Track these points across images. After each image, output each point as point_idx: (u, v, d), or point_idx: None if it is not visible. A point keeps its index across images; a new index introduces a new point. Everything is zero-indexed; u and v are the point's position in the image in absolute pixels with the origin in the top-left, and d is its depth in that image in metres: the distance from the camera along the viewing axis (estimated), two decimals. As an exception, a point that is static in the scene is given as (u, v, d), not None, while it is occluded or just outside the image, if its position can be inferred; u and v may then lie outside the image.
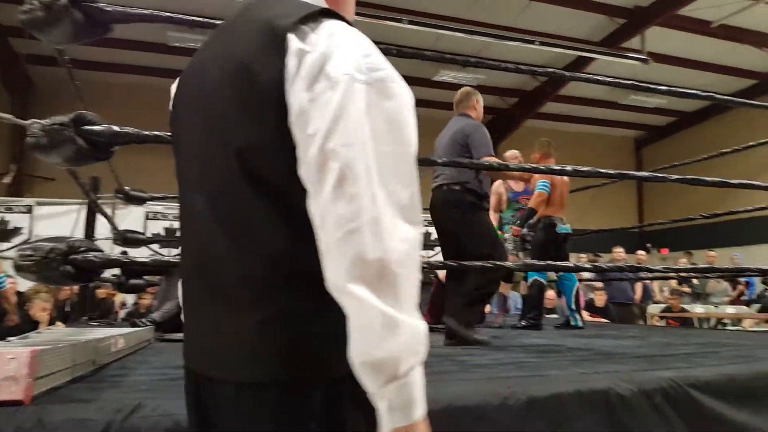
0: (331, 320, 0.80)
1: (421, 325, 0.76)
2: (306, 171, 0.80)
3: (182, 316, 1.00)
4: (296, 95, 0.80)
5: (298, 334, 0.83)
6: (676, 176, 2.98)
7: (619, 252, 8.77)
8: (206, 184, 0.91)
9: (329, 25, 0.85)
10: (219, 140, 0.88)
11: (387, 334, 0.73)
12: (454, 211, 3.54)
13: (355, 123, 0.78)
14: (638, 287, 8.84)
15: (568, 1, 9.86)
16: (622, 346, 3.12)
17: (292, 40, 0.82)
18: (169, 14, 2.31)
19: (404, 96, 0.85)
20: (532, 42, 9.99)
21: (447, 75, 11.86)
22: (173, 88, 1.06)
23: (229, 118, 0.87)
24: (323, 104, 0.78)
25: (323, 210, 0.77)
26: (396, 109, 0.82)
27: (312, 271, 0.80)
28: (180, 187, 1.01)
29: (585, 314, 7.87)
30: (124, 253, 5.56)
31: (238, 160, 0.85)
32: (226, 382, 0.85)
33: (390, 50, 2.47)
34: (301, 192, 0.80)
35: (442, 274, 4.23)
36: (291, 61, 0.81)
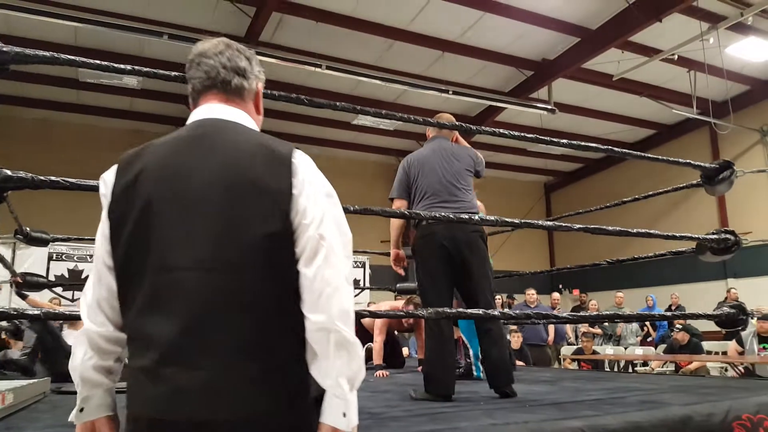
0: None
1: None
2: (304, 245, 1.21)
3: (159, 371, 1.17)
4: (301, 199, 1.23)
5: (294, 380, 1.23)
6: (578, 225, 3.11)
7: (531, 294, 9.02)
8: (211, 263, 1.18)
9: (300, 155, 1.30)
10: (235, 233, 1.19)
11: (358, 357, 1.20)
12: (482, 245, 3.25)
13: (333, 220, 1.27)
14: (551, 329, 9.10)
15: (478, 53, 10.30)
16: (534, 393, 3.16)
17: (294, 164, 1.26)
18: (70, 57, 2.22)
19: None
20: (446, 91, 10.32)
21: (365, 120, 12.05)
22: (108, 178, 1.29)
23: (244, 217, 1.20)
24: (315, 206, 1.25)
25: (315, 272, 1.20)
26: (341, 213, 1.32)
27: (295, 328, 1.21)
28: (154, 264, 1.20)
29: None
30: (22, 296, 5.39)
31: (255, 244, 1.19)
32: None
33: (302, 100, 2.46)
34: (290, 268, 1.22)
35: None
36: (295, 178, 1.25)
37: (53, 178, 2.13)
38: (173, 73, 2.52)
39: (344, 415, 1.19)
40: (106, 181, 1.29)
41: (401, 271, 3.58)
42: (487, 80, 11.30)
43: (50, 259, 8.48)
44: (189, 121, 1.36)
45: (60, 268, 8.58)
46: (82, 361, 1.27)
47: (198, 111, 1.37)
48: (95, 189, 2.16)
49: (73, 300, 8.38)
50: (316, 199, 1.24)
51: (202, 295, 1.17)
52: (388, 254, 6.36)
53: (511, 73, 11.10)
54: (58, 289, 8.31)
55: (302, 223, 1.21)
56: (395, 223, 3.46)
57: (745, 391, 2.89)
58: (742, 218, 12.34)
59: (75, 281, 8.38)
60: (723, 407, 2.38)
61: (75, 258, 8.64)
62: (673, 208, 13.75)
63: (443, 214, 2.98)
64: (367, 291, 11.22)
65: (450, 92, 10.37)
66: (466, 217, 2.97)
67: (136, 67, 2.48)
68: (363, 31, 9.40)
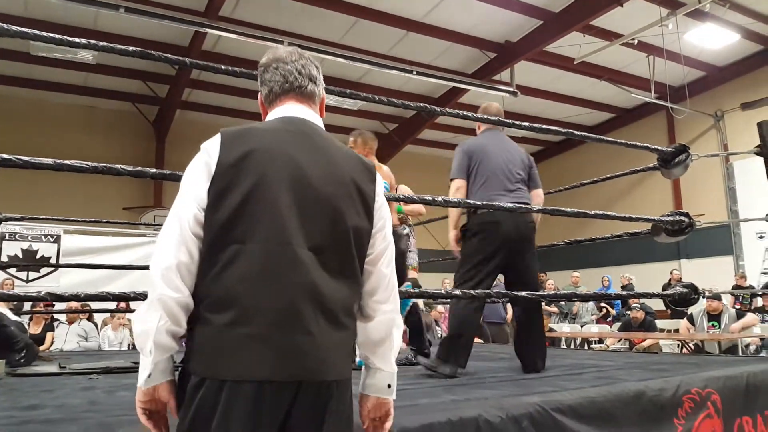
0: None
1: None
2: (383, 247, 1.48)
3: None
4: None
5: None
6: (537, 207, 3.16)
7: (455, 250, 9.12)
8: (321, 243, 1.35)
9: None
10: (339, 222, 1.37)
11: (401, 339, 1.53)
12: (534, 236, 3.42)
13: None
14: (509, 307, 9.24)
15: (442, 33, 10.29)
16: (493, 369, 3.23)
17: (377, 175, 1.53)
18: (22, 29, 2.13)
19: None
20: (410, 71, 10.29)
21: (329, 99, 11.91)
22: (213, 149, 1.36)
23: (347, 211, 1.39)
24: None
25: (390, 271, 1.50)
26: None
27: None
28: (268, 237, 1.30)
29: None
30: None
31: (351, 234, 1.39)
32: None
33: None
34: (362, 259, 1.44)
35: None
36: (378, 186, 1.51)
37: (5, 155, 2.05)
38: (131, 48, 2.44)
39: (389, 386, 1.46)
40: (210, 152, 1.36)
41: (458, 252, 3.53)
42: (451, 61, 11.31)
43: (2, 238, 8.22)
44: (277, 116, 1.50)
45: (13, 248, 8.33)
46: (157, 327, 1.27)
47: (283, 108, 1.52)
48: (51, 167, 2.10)
49: (27, 281, 8.15)
50: (386, 207, 1.53)
51: (313, 271, 1.31)
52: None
53: (474, 54, 11.13)
54: (12, 270, 8.09)
55: (379, 226, 1.47)
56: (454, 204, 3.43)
57: (695, 366, 3.01)
58: (696, 201, 12.72)
59: (29, 261, 8.14)
60: (674, 382, 2.48)
61: (29, 238, 8.39)
62: (629, 191, 14.08)
63: (507, 204, 3.15)
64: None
65: (414, 72, 10.34)
66: (525, 207, 3.18)
67: (93, 41, 2.40)
68: (326, 8, 9.28)
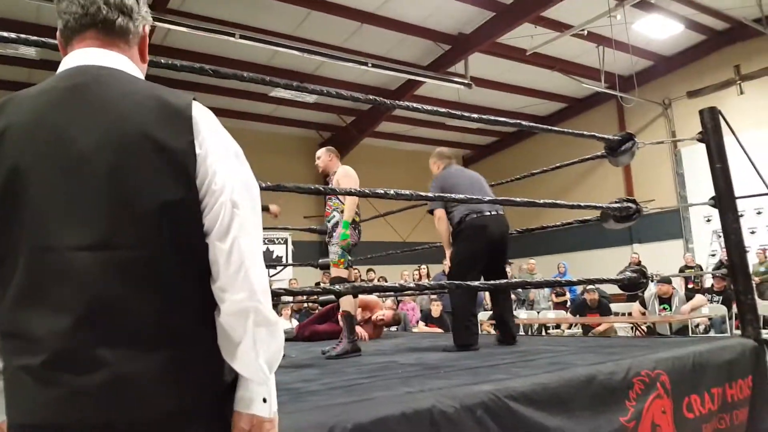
0: None
1: None
2: (216, 215, 1.07)
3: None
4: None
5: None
6: (488, 198, 3.19)
7: (447, 263, 9.20)
8: (104, 240, 1.01)
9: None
10: (132, 202, 1.02)
11: (279, 337, 1.12)
12: (508, 237, 4.15)
13: None
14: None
15: (396, 25, 10.29)
16: (449, 359, 3.24)
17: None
18: None
19: None
20: (365, 63, 10.26)
21: (283, 92, 11.79)
22: None
23: (143, 183, 1.03)
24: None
25: (231, 245, 1.06)
26: (251, 173, 1.19)
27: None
28: (30, 245, 1.02)
29: (421, 325, 8.19)
30: None
31: (158, 214, 1.03)
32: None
33: (206, 70, 2.36)
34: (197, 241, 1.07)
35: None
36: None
37: None
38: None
39: (265, 400, 1.11)
40: None
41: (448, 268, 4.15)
42: (406, 53, 11.32)
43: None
44: (61, 69, 1.14)
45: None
46: None
47: (72, 56, 1.15)
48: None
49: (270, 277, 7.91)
50: (224, 161, 1.10)
51: (95, 279, 1.00)
52: (310, 230, 6.33)
53: (429, 46, 11.17)
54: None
55: (211, 190, 1.07)
56: (445, 228, 4.12)
57: (646, 349, 3.08)
58: (647, 187, 13.08)
59: (268, 261, 7.89)
60: (624, 365, 2.53)
61: (265, 241, 8.25)
62: (582, 179, 14.38)
63: (489, 212, 3.96)
64: (290, 268, 11.13)
65: (369, 65, 10.32)
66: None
67: (33, 37, 2.28)
68: (278, 0, 9.16)
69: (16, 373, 1.02)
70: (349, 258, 4.16)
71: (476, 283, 3.40)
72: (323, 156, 4.51)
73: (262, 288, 1.07)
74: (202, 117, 1.12)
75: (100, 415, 0.98)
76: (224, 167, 1.09)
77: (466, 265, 3.93)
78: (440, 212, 4.11)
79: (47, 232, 1.02)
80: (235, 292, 1.05)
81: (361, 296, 5.48)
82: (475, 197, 3.55)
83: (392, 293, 8.19)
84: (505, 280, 4.11)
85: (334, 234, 4.16)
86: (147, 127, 1.05)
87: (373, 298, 5.62)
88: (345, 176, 4.25)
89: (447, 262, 4.18)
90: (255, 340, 1.06)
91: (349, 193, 3.30)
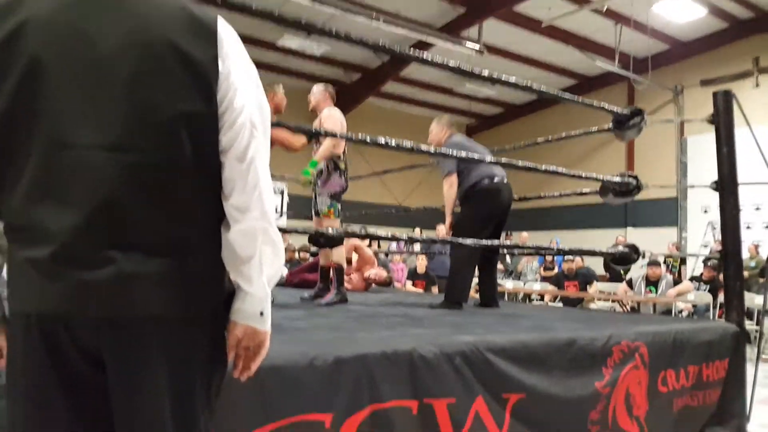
0: None
1: None
2: (236, 134, 1.09)
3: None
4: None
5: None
6: (490, 159, 3.17)
7: (441, 229, 9.26)
8: (121, 141, 1.02)
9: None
10: (151, 109, 1.03)
11: (281, 256, 1.21)
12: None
13: None
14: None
15: (412, -20, 10.07)
16: (434, 314, 3.27)
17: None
18: None
19: None
20: (377, 19, 10.07)
21: (291, 42, 11.60)
22: None
23: (163, 92, 1.04)
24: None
25: (249, 165, 1.11)
26: (264, 96, 1.21)
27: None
28: (45, 140, 1.02)
29: (408, 283, 8.26)
30: None
31: (176, 125, 1.04)
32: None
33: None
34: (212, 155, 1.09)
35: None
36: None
37: None
38: None
39: (261, 314, 1.16)
40: None
41: (448, 233, 4.11)
42: (420, 13, 11.11)
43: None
44: None
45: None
46: None
47: None
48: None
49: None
50: (246, 81, 1.12)
51: (108, 179, 1.01)
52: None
53: (443, 8, 10.96)
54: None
55: (232, 107, 1.09)
56: (454, 194, 4.03)
57: (629, 322, 3.12)
58: (648, 172, 12.96)
59: None
60: (605, 333, 2.55)
61: None
62: (584, 159, 14.31)
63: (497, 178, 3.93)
64: (284, 219, 11.11)
65: (381, 20, 10.13)
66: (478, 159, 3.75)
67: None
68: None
69: (22, 264, 1.05)
70: (338, 206, 3.94)
71: (469, 240, 3.35)
72: (317, 92, 4.15)
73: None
74: (227, 34, 1.13)
75: (104, 309, 1.02)
76: (245, 87, 1.12)
77: (479, 227, 3.88)
78: (455, 178, 4.02)
79: (63, 129, 1.02)
80: (249, 211, 1.10)
81: (358, 244, 5.49)
82: (491, 160, 3.55)
83: (384, 254, 8.30)
84: (498, 242, 4.14)
85: (319, 181, 3.93)
86: (173, 35, 1.06)
87: (369, 252, 5.64)
88: (328, 117, 3.95)
89: (442, 228, 4.11)
90: (261, 257, 1.13)
91: (341, 137, 3.29)
